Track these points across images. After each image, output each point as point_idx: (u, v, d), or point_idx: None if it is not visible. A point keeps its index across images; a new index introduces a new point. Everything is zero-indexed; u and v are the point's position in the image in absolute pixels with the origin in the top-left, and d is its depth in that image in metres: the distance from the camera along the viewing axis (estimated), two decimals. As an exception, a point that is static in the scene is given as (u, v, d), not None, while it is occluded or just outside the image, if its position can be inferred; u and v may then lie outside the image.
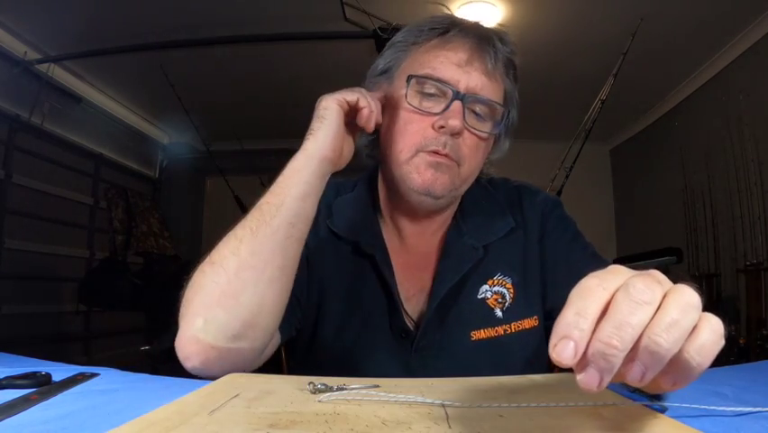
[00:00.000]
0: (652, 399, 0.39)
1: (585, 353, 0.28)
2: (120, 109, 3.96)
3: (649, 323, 0.28)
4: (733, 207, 2.98)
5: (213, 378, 0.51)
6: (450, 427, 0.35)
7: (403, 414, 0.38)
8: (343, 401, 0.41)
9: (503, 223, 0.78)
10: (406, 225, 0.78)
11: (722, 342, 0.30)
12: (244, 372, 0.56)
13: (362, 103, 0.67)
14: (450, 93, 0.68)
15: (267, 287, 0.58)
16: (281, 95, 3.67)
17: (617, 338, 0.27)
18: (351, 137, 0.71)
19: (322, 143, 0.64)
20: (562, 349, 0.28)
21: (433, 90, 0.70)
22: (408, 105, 0.70)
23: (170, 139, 4.68)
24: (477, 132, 0.70)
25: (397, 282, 0.74)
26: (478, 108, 0.70)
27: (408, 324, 0.72)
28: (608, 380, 0.28)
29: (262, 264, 0.58)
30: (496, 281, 0.74)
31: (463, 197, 0.80)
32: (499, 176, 0.89)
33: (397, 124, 0.71)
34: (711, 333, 0.29)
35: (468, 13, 2.71)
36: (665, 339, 0.27)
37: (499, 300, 0.73)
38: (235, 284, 0.56)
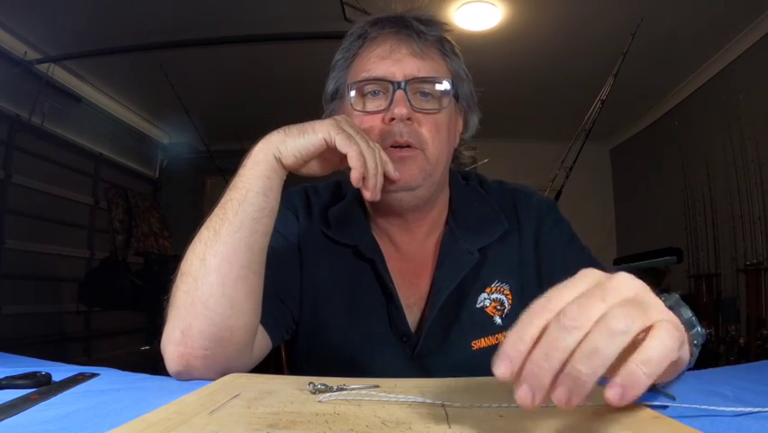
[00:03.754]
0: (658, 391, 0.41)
1: (521, 371, 0.32)
2: (120, 109, 3.96)
3: (573, 353, 0.31)
4: (733, 207, 2.98)
5: (202, 381, 0.51)
6: (450, 427, 0.35)
7: (403, 414, 0.38)
8: (343, 402, 0.41)
9: (497, 225, 0.77)
10: (397, 233, 0.76)
11: (673, 354, 0.32)
12: (236, 373, 0.56)
13: (353, 162, 0.58)
14: (389, 86, 0.69)
15: (234, 287, 0.57)
16: (281, 94, 3.67)
17: (544, 361, 0.31)
18: (328, 162, 0.64)
19: (290, 149, 0.60)
20: (497, 367, 0.32)
21: (374, 88, 0.71)
22: (356, 111, 0.71)
23: (170, 139, 4.68)
24: (429, 110, 0.71)
25: (397, 290, 0.73)
26: (425, 88, 0.71)
27: (409, 328, 0.72)
28: (539, 397, 0.31)
29: (227, 264, 0.57)
30: (494, 289, 0.74)
31: (454, 201, 0.79)
32: (498, 176, 0.88)
33: None
34: (660, 346, 0.31)
35: (468, 12, 2.71)
36: (585, 366, 0.30)
37: (498, 308, 0.73)
38: (203, 289, 0.56)
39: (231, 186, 0.61)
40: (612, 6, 2.64)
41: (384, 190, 0.68)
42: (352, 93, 0.72)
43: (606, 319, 0.31)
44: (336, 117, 0.63)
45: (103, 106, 3.75)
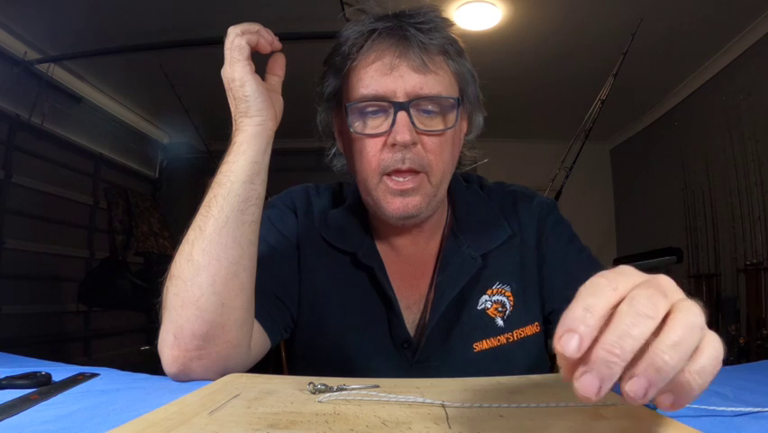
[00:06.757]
0: None
1: (585, 357, 0.28)
2: (120, 109, 3.96)
3: (655, 340, 0.28)
4: (733, 207, 2.98)
5: (201, 381, 0.51)
6: (450, 427, 0.35)
7: (403, 414, 0.38)
8: (343, 402, 0.41)
9: (500, 231, 0.76)
10: (397, 239, 0.76)
11: (720, 365, 0.30)
12: (234, 372, 0.56)
13: (262, 45, 0.67)
14: (390, 106, 0.65)
15: (224, 284, 0.57)
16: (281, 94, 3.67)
17: (618, 348, 0.27)
18: (270, 88, 0.67)
19: (260, 118, 0.61)
20: (567, 342, 0.28)
21: (374, 108, 0.67)
22: (356, 134, 0.67)
23: (170, 139, 4.67)
24: (434, 132, 0.67)
25: (396, 292, 0.73)
26: (429, 106, 0.66)
27: (410, 334, 0.72)
28: (606, 388, 0.28)
29: (216, 262, 0.56)
30: (495, 291, 0.73)
31: (457, 204, 0.79)
32: (498, 176, 0.88)
33: (353, 154, 0.70)
34: (712, 357, 0.29)
35: (468, 12, 2.71)
36: (671, 357, 0.27)
37: (499, 309, 0.72)
38: (193, 290, 0.56)
39: (214, 182, 0.60)
40: (612, 6, 2.64)
41: (387, 217, 0.69)
42: (351, 110, 0.67)
43: (681, 313, 0.29)
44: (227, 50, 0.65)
45: (103, 106, 3.74)
